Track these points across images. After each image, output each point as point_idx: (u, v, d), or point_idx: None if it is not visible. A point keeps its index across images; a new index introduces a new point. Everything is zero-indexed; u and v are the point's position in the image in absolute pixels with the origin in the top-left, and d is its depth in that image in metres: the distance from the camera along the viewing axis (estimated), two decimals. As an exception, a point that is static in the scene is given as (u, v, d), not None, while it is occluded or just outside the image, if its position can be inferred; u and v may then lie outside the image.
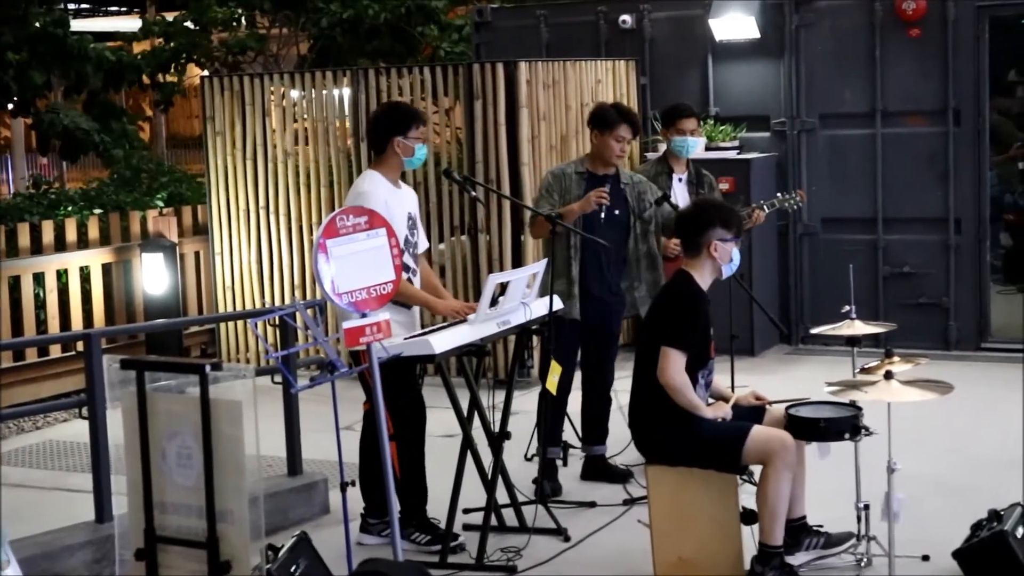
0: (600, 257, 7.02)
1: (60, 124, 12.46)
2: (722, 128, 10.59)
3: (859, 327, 6.09)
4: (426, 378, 6.51)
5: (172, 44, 15.72)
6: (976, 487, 6.86)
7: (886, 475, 5.40)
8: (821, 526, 5.91)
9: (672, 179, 7.71)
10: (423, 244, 6.54)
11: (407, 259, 6.23)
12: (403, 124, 6.27)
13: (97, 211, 11.24)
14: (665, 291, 5.89)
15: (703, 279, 5.74)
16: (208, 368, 4.42)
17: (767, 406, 5.84)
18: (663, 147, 9.38)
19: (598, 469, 7.31)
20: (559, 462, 7.32)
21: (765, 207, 7.90)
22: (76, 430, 8.35)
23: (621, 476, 7.22)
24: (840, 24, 10.44)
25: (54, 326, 9.77)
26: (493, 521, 6.29)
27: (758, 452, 5.50)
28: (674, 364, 5.57)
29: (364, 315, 5.25)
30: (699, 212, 5.89)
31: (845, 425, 5.47)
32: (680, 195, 7.67)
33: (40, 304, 9.85)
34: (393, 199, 6.20)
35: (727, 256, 5.72)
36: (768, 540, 5.54)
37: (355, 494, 5.96)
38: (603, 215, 6.99)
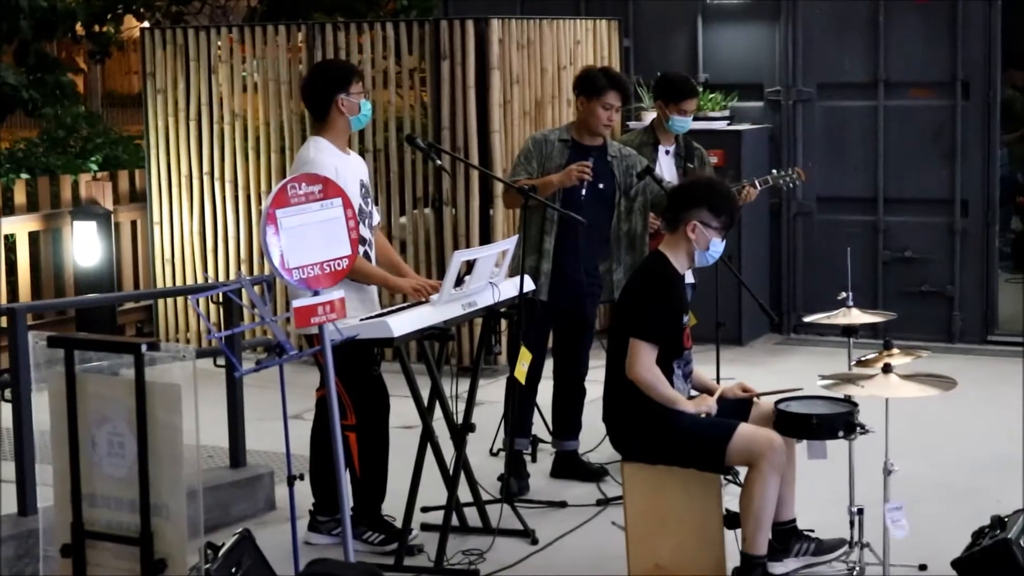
0: (579, 234, 7.01)
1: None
2: (711, 96, 10.59)
3: (856, 316, 6.10)
4: (383, 364, 6.50)
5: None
6: (978, 491, 6.90)
7: (882, 477, 5.42)
8: (812, 531, 5.93)
9: (658, 151, 7.72)
10: (377, 216, 6.53)
11: (363, 231, 6.22)
12: (342, 80, 6.26)
13: (24, 174, 11.16)
14: (635, 275, 5.88)
15: (679, 261, 5.74)
16: (144, 348, 4.40)
17: (755, 400, 5.85)
18: (648, 116, 9.36)
19: (570, 466, 7.32)
20: (527, 457, 7.33)
21: (758, 184, 7.91)
22: (-3, 414, 8.30)
23: (595, 474, 7.23)
24: (841, -14, 10.48)
25: (-25, 299, 9.72)
26: (454, 521, 6.30)
27: (743, 453, 5.51)
28: (643, 358, 5.56)
29: (316, 293, 5.23)
30: (692, 187, 5.88)
31: (839, 422, 5.48)
32: (666, 168, 7.68)
33: (-40, 275, 9.80)
34: (343, 166, 6.19)
35: (704, 243, 5.70)
36: (751, 549, 5.56)
37: (303, 489, 5.95)
38: (584, 191, 6.99)
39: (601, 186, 7.06)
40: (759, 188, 7.90)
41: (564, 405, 7.35)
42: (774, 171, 8.20)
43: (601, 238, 7.19)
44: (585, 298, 7.20)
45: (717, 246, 5.74)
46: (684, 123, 7.71)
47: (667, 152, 7.77)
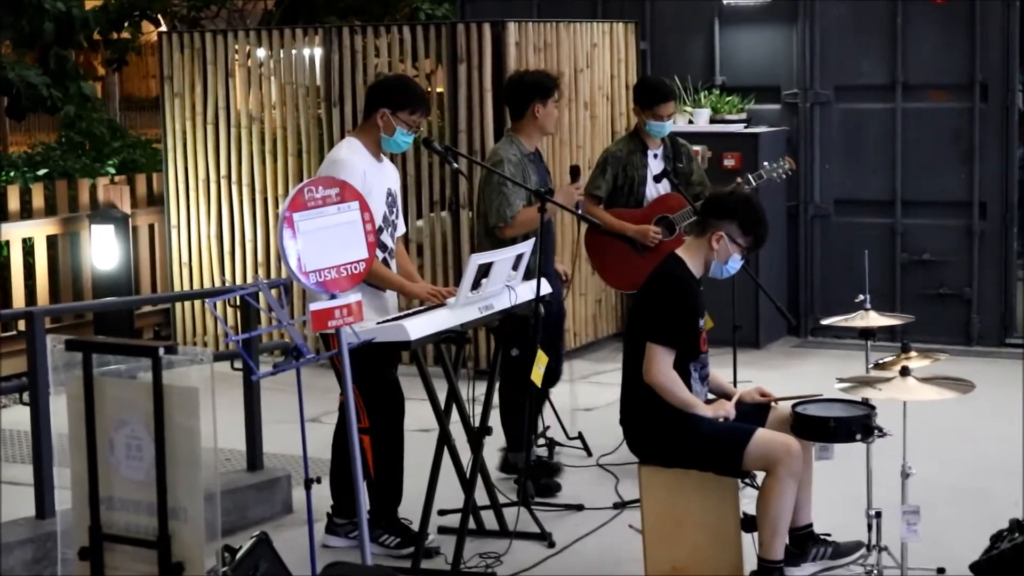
0: (550, 242, 7.13)
1: (5, 79, 12.35)
2: (728, 99, 10.58)
3: (874, 319, 6.10)
4: (400, 367, 6.51)
5: None
6: (997, 494, 6.88)
7: (900, 480, 5.41)
8: (829, 535, 5.93)
9: (647, 156, 7.71)
10: (402, 227, 6.52)
11: (385, 238, 6.24)
12: (398, 101, 6.23)
13: (42, 172, 11.19)
14: (651, 278, 5.88)
15: (694, 265, 5.74)
16: (162, 351, 4.40)
17: (773, 404, 5.84)
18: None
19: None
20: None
21: (752, 180, 7.84)
22: (16, 417, 8.34)
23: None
24: (859, -12, 10.46)
25: (-7, 303, 9.75)
26: (471, 524, 6.29)
27: (761, 458, 5.51)
28: (659, 362, 5.56)
29: (333, 296, 5.24)
30: (730, 199, 5.85)
31: (857, 425, 5.47)
32: (657, 171, 7.68)
33: (-22, 278, 9.83)
34: (373, 171, 6.20)
35: (725, 257, 5.71)
36: (767, 555, 5.55)
37: (320, 492, 5.95)
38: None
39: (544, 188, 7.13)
40: (754, 184, 7.83)
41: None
42: (765, 164, 8.10)
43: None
44: (560, 299, 7.29)
45: (735, 262, 5.75)
46: (660, 127, 7.67)
47: (655, 156, 7.74)
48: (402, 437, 6.35)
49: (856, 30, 10.48)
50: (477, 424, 6.30)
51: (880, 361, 5.73)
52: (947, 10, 10.19)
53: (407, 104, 6.25)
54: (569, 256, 8.27)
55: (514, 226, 6.93)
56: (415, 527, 6.24)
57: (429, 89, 10.34)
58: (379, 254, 6.15)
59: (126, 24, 15.70)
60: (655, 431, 5.64)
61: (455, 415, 6.32)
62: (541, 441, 7.48)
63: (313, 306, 5.20)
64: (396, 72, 9.76)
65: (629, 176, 7.67)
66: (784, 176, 8.17)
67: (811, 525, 5.89)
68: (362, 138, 6.30)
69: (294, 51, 10.19)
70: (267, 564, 5.11)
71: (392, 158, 9.60)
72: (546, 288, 6.58)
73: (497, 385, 6.61)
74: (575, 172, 7.13)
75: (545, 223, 6.88)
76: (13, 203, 10.15)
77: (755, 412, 5.78)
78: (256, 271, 10.27)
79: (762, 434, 5.53)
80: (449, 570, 6.04)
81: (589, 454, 7.64)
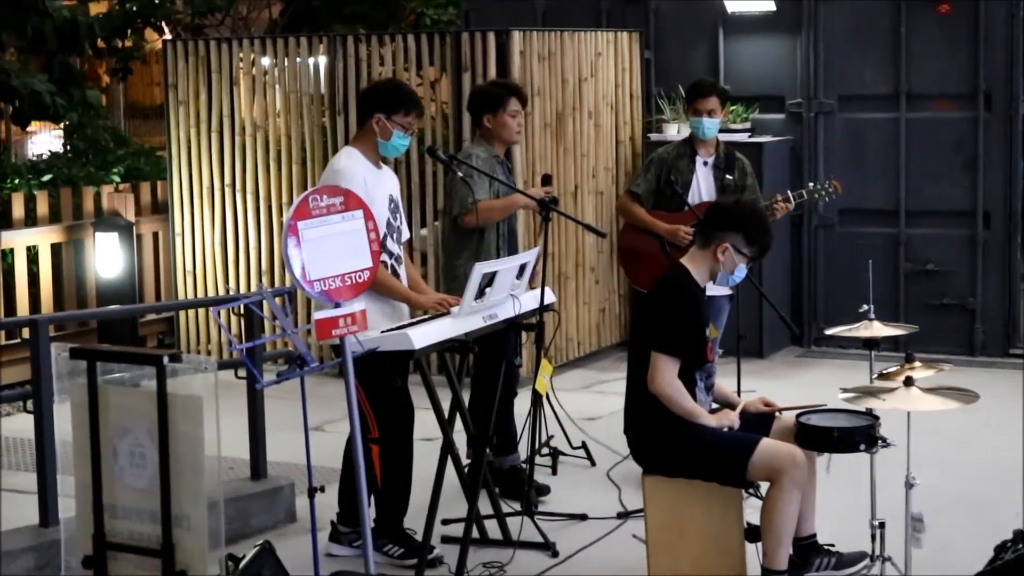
0: (515, 243, 7.19)
1: (9, 85, 12.36)
2: (732, 109, 10.58)
3: (877, 329, 6.09)
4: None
5: (130, 6, 15.65)
6: (1001, 505, 6.87)
7: (904, 490, 5.41)
8: (832, 545, 5.92)
9: (695, 162, 7.70)
10: (406, 232, 6.53)
11: (391, 245, 6.24)
12: (391, 104, 6.25)
13: (46, 179, 11.20)
14: (657, 287, 5.87)
15: (699, 275, 5.74)
16: (166, 359, 4.41)
17: (777, 414, 5.84)
18: (668, 128, 9.36)
19: (515, 482, 7.08)
20: (547, 469, 7.32)
21: (792, 198, 7.81)
22: (20, 425, 8.34)
23: (537, 490, 7.09)
24: (863, -3, 10.47)
25: (-3, 310, 9.75)
26: (475, 533, 6.29)
27: (765, 468, 5.50)
28: (664, 372, 5.56)
29: (338, 305, 5.24)
30: (734, 209, 5.84)
31: (860, 435, 5.47)
32: (703, 180, 7.67)
33: (-17, 286, 9.83)
34: (373, 179, 6.20)
35: (731, 267, 5.71)
36: (771, 564, 5.54)
37: (324, 501, 5.95)
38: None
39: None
40: (793, 203, 7.79)
41: (499, 417, 7.20)
42: (810, 184, 8.09)
43: None
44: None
45: (741, 271, 5.75)
46: (699, 123, 7.65)
47: (705, 163, 7.72)
48: (411, 448, 6.34)
49: (860, 39, 10.48)
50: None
51: (884, 371, 5.73)
52: (951, 19, 10.19)
53: (400, 106, 6.26)
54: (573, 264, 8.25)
55: (476, 213, 6.88)
56: (419, 538, 6.23)
57: (433, 98, 10.34)
58: (386, 260, 6.16)
59: (129, 31, 15.71)
60: (659, 440, 5.64)
61: (459, 424, 6.31)
62: (544, 451, 7.51)
63: (317, 315, 5.20)
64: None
65: (673, 179, 7.70)
66: (827, 200, 8.13)
67: (815, 535, 5.88)
68: (359, 146, 6.31)
69: (298, 59, 10.20)
70: (270, 573, 5.11)
71: (396, 167, 9.68)
72: (550, 297, 6.58)
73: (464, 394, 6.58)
74: (547, 179, 7.27)
75: (510, 226, 6.92)
76: (18, 211, 10.15)
77: (759, 422, 5.78)
78: (260, 279, 10.28)
79: (766, 444, 5.53)
80: (452, 579, 6.05)
81: (593, 464, 7.65)
